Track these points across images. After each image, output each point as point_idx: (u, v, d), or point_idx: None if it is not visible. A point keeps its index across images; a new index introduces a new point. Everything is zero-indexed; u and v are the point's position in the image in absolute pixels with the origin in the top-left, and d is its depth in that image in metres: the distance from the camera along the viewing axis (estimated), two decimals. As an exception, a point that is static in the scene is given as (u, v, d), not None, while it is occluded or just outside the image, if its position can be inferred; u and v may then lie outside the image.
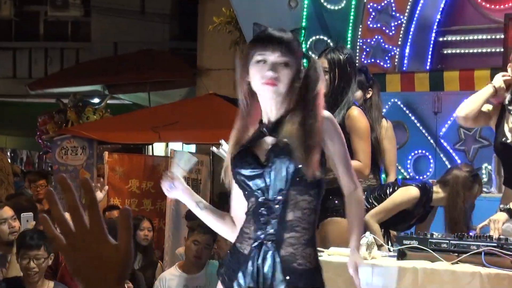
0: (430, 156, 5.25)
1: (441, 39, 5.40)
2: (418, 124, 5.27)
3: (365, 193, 3.53)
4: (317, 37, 5.36)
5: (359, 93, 3.59)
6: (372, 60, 5.42)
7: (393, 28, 5.41)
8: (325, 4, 5.48)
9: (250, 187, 2.16)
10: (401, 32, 5.40)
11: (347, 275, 2.28)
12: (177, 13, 13.08)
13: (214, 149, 2.60)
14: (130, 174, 6.36)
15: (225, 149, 2.37)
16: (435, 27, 5.39)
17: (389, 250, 3.01)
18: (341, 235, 2.98)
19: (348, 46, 5.47)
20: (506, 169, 3.24)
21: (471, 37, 5.33)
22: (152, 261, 5.02)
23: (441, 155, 5.24)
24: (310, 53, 5.09)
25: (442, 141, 5.25)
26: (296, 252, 2.11)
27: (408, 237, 2.77)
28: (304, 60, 2.25)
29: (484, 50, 5.26)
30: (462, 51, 5.36)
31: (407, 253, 2.73)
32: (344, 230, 3.08)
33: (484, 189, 4.23)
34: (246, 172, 2.15)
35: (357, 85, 3.49)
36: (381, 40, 5.42)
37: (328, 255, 2.83)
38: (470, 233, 2.94)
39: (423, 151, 5.27)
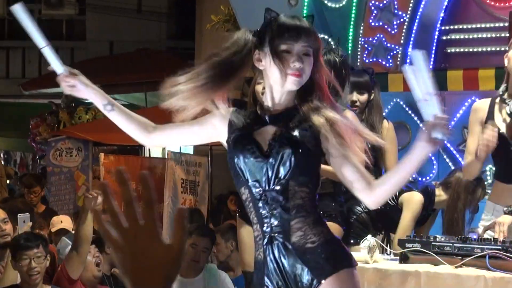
0: (433, 157, 5.17)
1: (444, 37, 5.34)
2: (421, 125, 5.19)
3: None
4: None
5: (365, 96, 3.57)
6: (374, 59, 5.36)
7: (395, 26, 5.35)
8: (325, 2, 5.43)
9: (245, 176, 2.14)
10: (404, 30, 5.34)
11: None
12: (174, 11, 13.00)
13: None
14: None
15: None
16: (438, 25, 5.33)
17: (388, 253, 3.00)
18: None
19: (350, 45, 5.41)
20: (497, 161, 3.20)
21: (475, 36, 5.26)
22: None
23: (444, 156, 5.18)
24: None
25: (445, 141, 5.17)
26: (305, 233, 2.11)
27: (411, 240, 2.74)
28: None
29: (488, 49, 5.18)
30: (466, 50, 5.30)
31: (410, 256, 2.71)
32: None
33: (488, 191, 4.18)
34: (249, 160, 2.12)
35: (363, 87, 3.48)
36: (383, 39, 5.37)
37: None
38: (474, 236, 2.92)
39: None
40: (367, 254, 2.70)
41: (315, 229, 2.11)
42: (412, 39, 5.35)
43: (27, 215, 3.88)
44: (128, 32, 12.59)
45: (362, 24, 5.39)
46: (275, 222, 2.11)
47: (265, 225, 2.12)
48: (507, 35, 4.98)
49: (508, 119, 3.06)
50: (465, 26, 5.30)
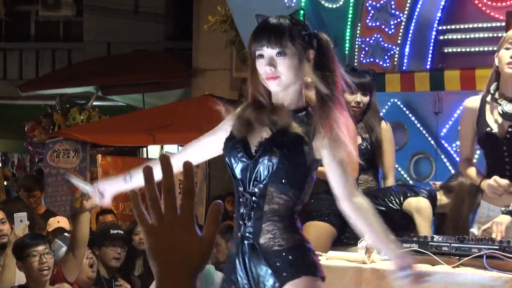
0: (431, 158, 5.17)
1: (441, 37, 5.33)
2: (418, 125, 5.20)
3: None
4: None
5: (367, 97, 3.59)
6: (371, 60, 5.36)
7: (392, 26, 5.35)
8: (322, 2, 5.42)
9: (234, 175, 2.20)
10: (401, 30, 5.34)
11: (346, 279, 2.23)
12: (171, 12, 12.98)
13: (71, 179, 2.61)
14: (124, 177, 6.23)
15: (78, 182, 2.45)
16: (435, 25, 5.33)
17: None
18: (319, 238, 3.10)
19: (347, 45, 5.41)
20: (488, 162, 3.19)
21: (472, 36, 5.26)
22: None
23: (442, 156, 5.16)
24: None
25: (443, 141, 5.17)
26: (274, 236, 2.13)
27: (408, 240, 2.73)
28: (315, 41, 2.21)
29: (485, 49, 5.18)
30: (463, 49, 5.29)
31: None
32: (323, 233, 3.11)
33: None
34: (235, 160, 2.18)
35: (367, 88, 3.53)
36: (380, 39, 5.36)
37: (327, 259, 2.80)
38: (473, 231, 2.89)
39: (424, 152, 5.19)
40: (364, 254, 2.68)
41: (285, 234, 2.12)
42: (409, 39, 5.35)
43: (24, 214, 3.87)
44: (125, 33, 12.56)
45: (359, 24, 5.39)
46: (249, 223, 2.15)
47: (241, 223, 2.17)
48: (504, 34, 4.98)
49: (500, 120, 3.05)
50: (462, 26, 5.30)
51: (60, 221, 4.78)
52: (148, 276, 4.74)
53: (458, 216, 3.44)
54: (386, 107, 5.10)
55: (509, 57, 3.07)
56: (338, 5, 5.40)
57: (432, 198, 3.50)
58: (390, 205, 3.45)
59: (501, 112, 3.04)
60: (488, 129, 3.07)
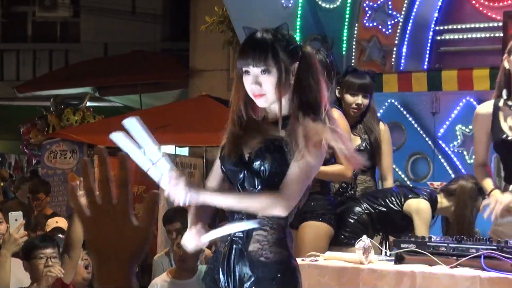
0: (428, 159, 5.16)
1: (439, 37, 5.34)
2: (415, 125, 5.19)
3: (364, 197, 3.49)
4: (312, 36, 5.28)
5: (368, 99, 3.59)
6: (369, 60, 5.34)
7: (389, 27, 5.35)
8: (319, 2, 5.41)
9: (230, 180, 2.24)
10: (398, 31, 5.34)
11: (342, 280, 2.23)
12: (168, 13, 12.98)
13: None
14: (121, 178, 6.22)
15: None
16: (432, 25, 5.33)
17: (387, 255, 2.98)
18: (317, 238, 3.14)
19: (344, 45, 5.40)
20: (505, 167, 3.22)
21: (469, 36, 5.26)
22: (150, 265, 4.92)
23: (440, 157, 5.16)
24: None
25: (440, 142, 5.16)
26: (263, 248, 2.16)
27: (406, 240, 2.73)
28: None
29: (483, 49, 5.18)
30: (460, 49, 5.30)
31: (405, 257, 2.69)
32: (320, 234, 3.12)
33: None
34: (228, 166, 2.22)
35: (368, 90, 3.54)
36: (378, 39, 5.34)
37: (324, 260, 2.80)
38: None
39: (421, 153, 5.18)
40: (362, 255, 2.68)
41: (273, 248, 2.15)
42: (406, 39, 5.35)
43: (19, 213, 3.86)
44: (122, 34, 12.57)
45: (357, 25, 5.38)
46: None
47: None
48: (501, 34, 4.99)
49: None
50: (459, 26, 5.30)
51: (58, 221, 4.79)
52: (142, 274, 4.74)
53: (463, 220, 3.44)
54: (384, 107, 5.10)
55: None
56: (335, 5, 5.39)
57: (432, 201, 3.49)
58: (391, 206, 3.45)
59: None
60: (504, 136, 3.06)
